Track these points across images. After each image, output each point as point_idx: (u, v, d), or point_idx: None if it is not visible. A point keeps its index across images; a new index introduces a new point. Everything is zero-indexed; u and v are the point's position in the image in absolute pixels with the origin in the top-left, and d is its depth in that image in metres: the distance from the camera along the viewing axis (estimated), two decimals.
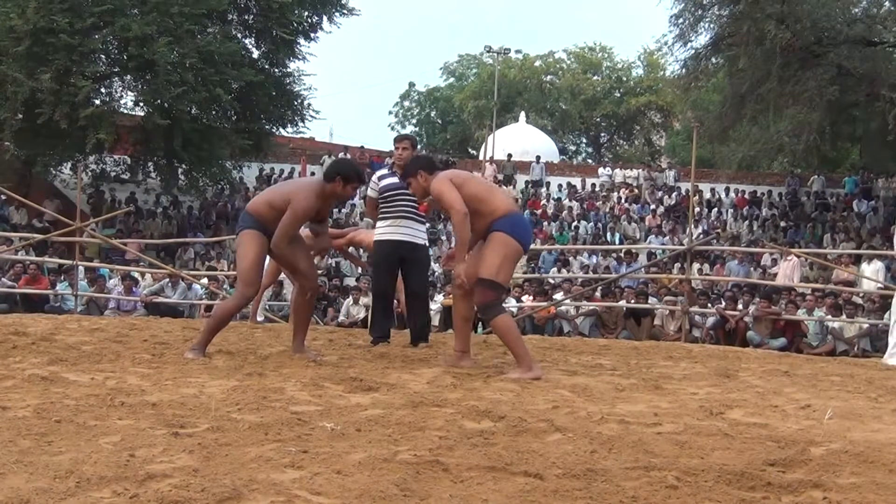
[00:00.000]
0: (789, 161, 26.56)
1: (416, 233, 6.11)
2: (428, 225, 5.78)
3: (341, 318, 12.59)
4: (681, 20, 20.61)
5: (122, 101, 20.59)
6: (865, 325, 11.28)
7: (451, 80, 44.51)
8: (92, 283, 12.84)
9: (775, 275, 15.44)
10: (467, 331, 4.99)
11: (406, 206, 6.06)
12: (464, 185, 4.75)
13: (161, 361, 4.61)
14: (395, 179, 6.01)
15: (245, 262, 4.93)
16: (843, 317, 11.60)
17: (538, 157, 27.08)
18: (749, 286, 13.27)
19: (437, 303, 12.03)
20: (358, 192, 5.55)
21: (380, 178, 6.21)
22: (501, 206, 4.74)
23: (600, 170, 27.73)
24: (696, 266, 15.61)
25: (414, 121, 43.92)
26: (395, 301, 6.90)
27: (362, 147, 28.77)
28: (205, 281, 12.79)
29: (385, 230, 6.10)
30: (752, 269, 16.76)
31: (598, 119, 42.45)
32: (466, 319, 4.92)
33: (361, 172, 5.28)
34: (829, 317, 11.44)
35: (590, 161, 39.94)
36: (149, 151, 20.80)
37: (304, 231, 5.37)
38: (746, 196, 24.00)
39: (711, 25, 20.85)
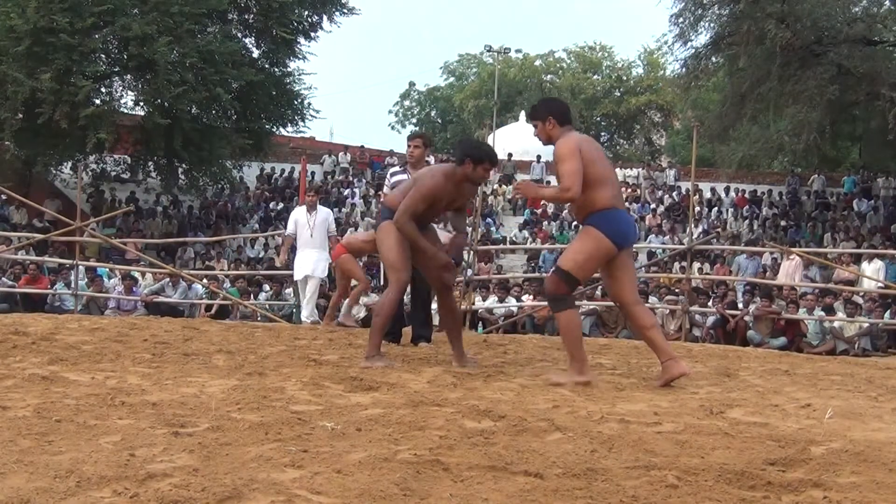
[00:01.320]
0: (789, 160, 26.55)
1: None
2: (442, 225, 5.72)
3: (342, 317, 12.55)
4: (681, 19, 20.60)
5: (123, 101, 20.63)
6: (865, 325, 11.27)
7: (452, 79, 44.54)
8: (91, 283, 12.84)
9: None
10: (659, 339, 4.45)
11: None
12: (591, 165, 4.34)
13: (161, 361, 4.61)
14: (406, 177, 5.98)
15: (388, 251, 4.91)
16: (843, 316, 11.60)
17: (538, 157, 26.98)
18: (749, 285, 13.26)
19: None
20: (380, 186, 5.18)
21: (391, 176, 6.20)
22: (602, 199, 4.37)
23: None
24: (696, 265, 15.60)
25: (414, 120, 43.97)
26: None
27: (362, 147, 28.76)
28: (205, 280, 12.79)
29: None
30: (759, 265, 16.74)
31: (599, 118, 42.41)
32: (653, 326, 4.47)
33: (492, 152, 4.98)
34: (829, 316, 11.43)
35: None
36: (149, 151, 20.79)
37: (444, 235, 5.36)
38: (746, 195, 23.98)
39: (711, 25, 20.84)
